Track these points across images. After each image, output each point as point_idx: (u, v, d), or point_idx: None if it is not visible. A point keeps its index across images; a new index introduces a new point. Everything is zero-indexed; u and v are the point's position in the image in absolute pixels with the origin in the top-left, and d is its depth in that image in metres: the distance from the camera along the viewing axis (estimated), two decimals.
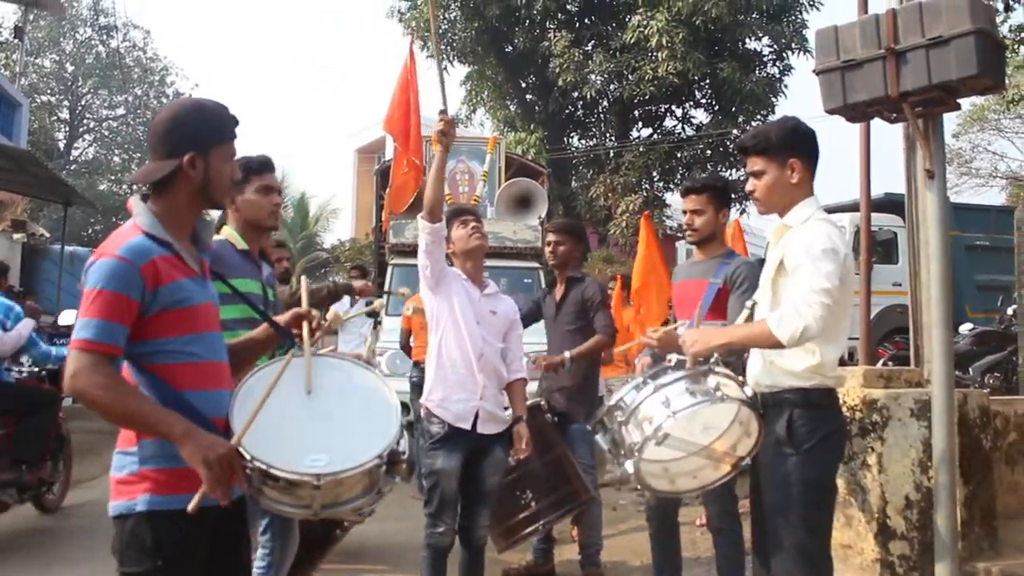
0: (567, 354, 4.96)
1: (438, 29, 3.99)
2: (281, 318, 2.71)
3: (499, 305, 4.28)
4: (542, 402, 4.86)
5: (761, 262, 3.59)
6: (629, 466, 2.90)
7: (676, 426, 2.81)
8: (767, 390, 3.02)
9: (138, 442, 2.23)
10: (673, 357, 3.04)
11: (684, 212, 4.24)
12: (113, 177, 34.45)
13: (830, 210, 3.18)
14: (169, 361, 2.24)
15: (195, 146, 2.33)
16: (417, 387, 7.08)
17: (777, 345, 2.82)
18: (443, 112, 4.08)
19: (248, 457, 2.17)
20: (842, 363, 3.16)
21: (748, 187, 3.16)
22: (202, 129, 2.37)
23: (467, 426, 4.01)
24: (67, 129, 34.01)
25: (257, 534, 3.57)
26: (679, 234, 22.95)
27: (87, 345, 2.11)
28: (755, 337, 2.96)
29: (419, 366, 7.76)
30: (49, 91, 33.25)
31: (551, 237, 5.26)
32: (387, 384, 2.54)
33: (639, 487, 3.01)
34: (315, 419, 2.39)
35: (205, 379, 2.29)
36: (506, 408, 4.28)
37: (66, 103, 33.87)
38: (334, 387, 2.51)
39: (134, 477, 2.22)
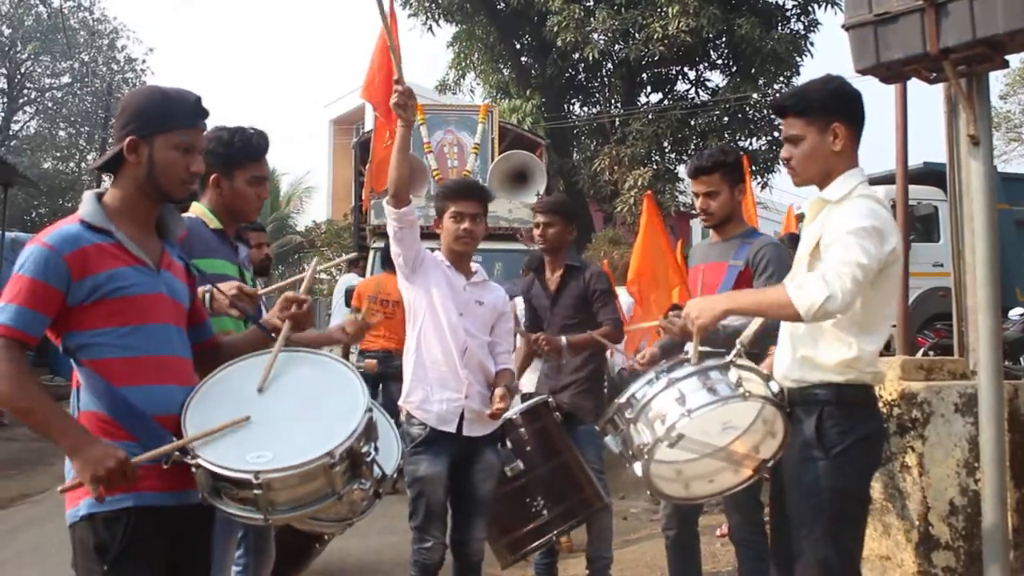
0: (563, 339, 4.92)
1: None
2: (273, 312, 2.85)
3: (486, 294, 4.26)
4: (550, 400, 4.85)
5: (793, 239, 3.57)
6: (637, 468, 2.90)
7: (691, 426, 2.81)
8: (795, 385, 3.01)
9: None
10: (689, 347, 3.03)
11: (696, 195, 4.24)
12: (59, 154, 34.25)
13: None
14: (103, 355, 2.34)
15: (136, 131, 2.44)
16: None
17: (794, 316, 2.78)
18: (398, 81, 3.98)
19: (191, 453, 2.28)
20: (879, 353, 3.15)
21: (783, 154, 3.11)
22: (146, 113, 2.48)
23: (452, 429, 4.00)
24: (5, 101, 33.78)
25: (232, 549, 3.59)
26: (694, 211, 22.90)
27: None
28: (768, 303, 2.93)
29: (364, 354, 8.25)
30: None
31: (538, 218, 5.21)
32: (361, 383, 2.58)
33: (650, 492, 3.01)
34: (272, 415, 2.46)
35: (146, 374, 2.38)
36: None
37: (3, 71, 33.61)
38: (302, 383, 2.58)
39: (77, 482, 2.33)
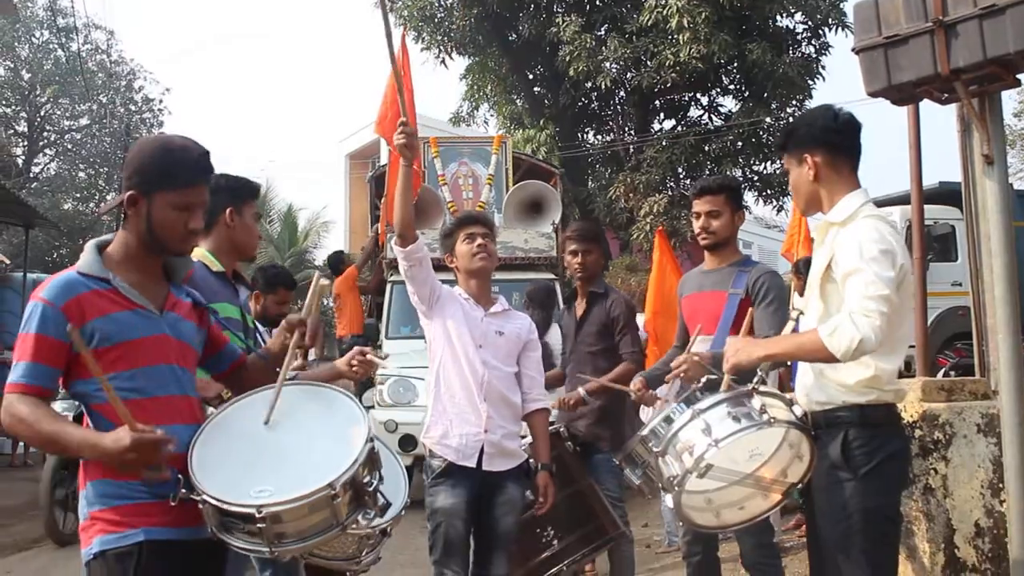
0: (581, 391, 4.90)
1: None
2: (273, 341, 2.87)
3: (508, 324, 4.18)
4: (562, 428, 4.83)
5: (808, 263, 3.57)
6: (669, 501, 2.94)
7: (719, 455, 2.82)
8: (818, 407, 3.02)
9: (85, 485, 2.42)
10: (702, 379, 3.07)
11: (697, 215, 4.26)
12: (78, 195, 34.47)
13: (878, 203, 3.20)
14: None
15: (137, 186, 2.47)
16: None
17: (830, 359, 2.81)
18: (403, 123, 3.88)
19: (197, 487, 2.32)
20: (899, 375, 3.15)
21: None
22: (147, 171, 2.49)
23: (471, 464, 3.94)
24: (25, 143, 34.12)
25: None
26: None
27: (12, 387, 2.31)
28: (804, 348, 2.94)
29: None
30: (4, 102, 33.41)
31: (575, 246, 5.16)
32: (364, 414, 2.59)
33: (681, 523, 3.03)
34: (276, 449, 2.49)
35: (151, 415, 2.39)
36: (524, 436, 4.24)
37: (23, 114, 33.95)
38: (304, 414, 2.60)
39: (88, 522, 2.41)
